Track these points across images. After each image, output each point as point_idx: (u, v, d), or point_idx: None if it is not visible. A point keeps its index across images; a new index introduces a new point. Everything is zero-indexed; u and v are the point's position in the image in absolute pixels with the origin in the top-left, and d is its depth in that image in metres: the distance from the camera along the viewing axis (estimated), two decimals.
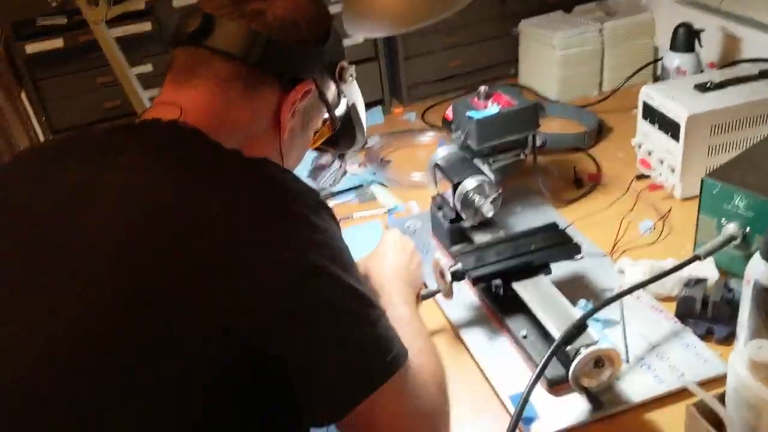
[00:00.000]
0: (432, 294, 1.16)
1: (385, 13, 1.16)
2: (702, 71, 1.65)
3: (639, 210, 1.39)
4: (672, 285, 1.14)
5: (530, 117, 1.32)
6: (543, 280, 1.10)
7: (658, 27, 1.89)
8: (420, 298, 1.12)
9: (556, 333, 0.97)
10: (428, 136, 1.79)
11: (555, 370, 0.99)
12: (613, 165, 1.56)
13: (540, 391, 1.00)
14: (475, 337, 1.12)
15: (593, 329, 0.98)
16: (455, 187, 1.23)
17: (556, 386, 0.99)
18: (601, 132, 1.69)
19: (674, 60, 1.64)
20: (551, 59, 1.86)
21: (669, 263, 1.14)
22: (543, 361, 0.94)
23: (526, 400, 0.90)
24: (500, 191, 1.23)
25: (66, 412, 0.67)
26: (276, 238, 0.72)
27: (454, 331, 1.15)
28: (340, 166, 1.60)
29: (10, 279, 0.73)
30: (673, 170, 1.39)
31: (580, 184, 1.50)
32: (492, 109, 1.30)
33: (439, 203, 1.33)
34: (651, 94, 1.42)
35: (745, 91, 1.39)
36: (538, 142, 1.50)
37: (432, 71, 1.97)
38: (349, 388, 0.74)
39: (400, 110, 1.97)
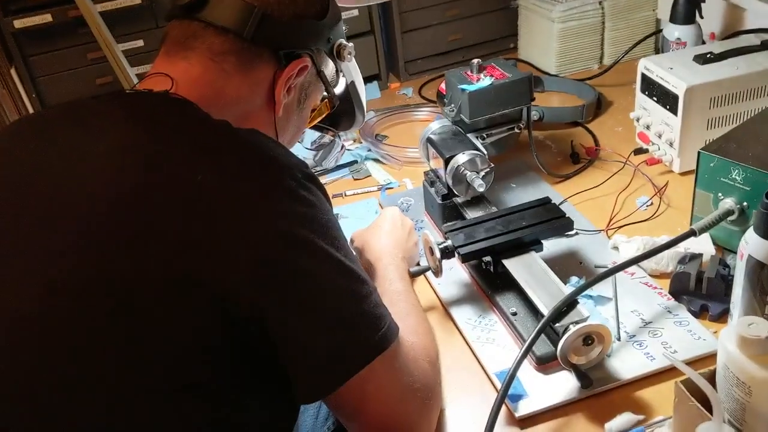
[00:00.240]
0: (422, 271, 1.15)
1: None
2: (703, 43, 1.61)
3: (636, 185, 1.37)
4: (667, 261, 1.12)
5: (524, 90, 1.29)
6: (534, 257, 1.08)
7: None
8: (410, 275, 1.11)
9: (545, 310, 0.96)
10: (425, 112, 1.77)
11: (544, 347, 0.98)
12: (611, 139, 1.53)
13: (529, 369, 0.98)
14: (464, 314, 1.10)
15: (584, 306, 0.97)
16: (447, 162, 1.20)
17: (545, 364, 0.97)
18: (600, 106, 1.66)
19: (674, 32, 1.60)
20: (550, 32, 1.82)
21: (664, 239, 1.12)
22: (531, 337, 0.92)
23: (512, 377, 0.88)
24: (492, 166, 1.20)
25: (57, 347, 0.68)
26: (261, 210, 0.71)
27: (444, 308, 1.13)
28: (342, 148, 1.58)
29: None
30: (671, 144, 1.36)
31: (577, 159, 1.47)
32: (484, 81, 1.27)
33: (432, 179, 1.31)
34: (649, 66, 1.39)
35: (745, 62, 1.35)
36: (535, 116, 1.47)
37: (430, 45, 1.94)
38: (337, 364, 0.73)
39: (397, 85, 1.94)
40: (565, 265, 1.16)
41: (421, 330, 0.91)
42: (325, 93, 0.97)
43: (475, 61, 1.30)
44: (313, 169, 0.84)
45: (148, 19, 1.69)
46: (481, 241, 1.08)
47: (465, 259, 1.08)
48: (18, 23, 1.60)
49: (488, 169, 1.20)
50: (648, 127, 1.42)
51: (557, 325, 0.94)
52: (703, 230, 1.07)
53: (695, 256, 1.10)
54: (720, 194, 1.12)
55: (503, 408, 0.92)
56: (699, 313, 1.04)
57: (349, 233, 1.20)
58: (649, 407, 0.91)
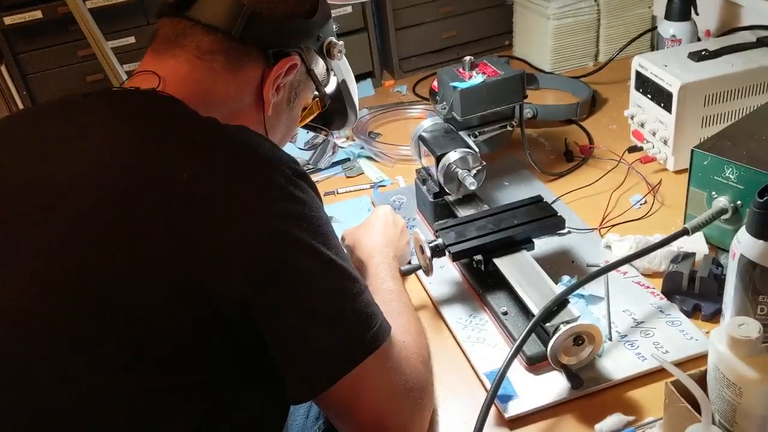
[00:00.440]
0: (413, 270, 1.14)
1: None
2: (698, 40, 1.60)
3: (630, 183, 1.36)
4: (659, 260, 1.10)
5: (516, 87, 1.27)
6: (525, 256, 1.06)
7: None
8: (401, 273, 1.10)
9: (536, 309, 0.95)
10: (418, 109, 1.75)
11: (534, 347, 0.96)
12: (606, 137, 1.52)
13: (519, 369, 0.97)
14: (455, 313, 1.09)
15: (575, 306, 0.95)
16: (438, 159, 1.19)
17: (536, 364, 0.96)
18: (595, 104, 1.65)
19: (669, 29, 1.59)
20: (545, 29, 1.81)
21: (657, 238, 1.11)
22: (521, 337, 0.91)
23: (502, 377, 0.87)
24: (484, 164, 1.19)
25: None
26: (250, 208, 0.70)
27: (435, 307, 1.12)
28: (335, 147, 1.57)
29: None
30: (665, 142, 1.35)
31: (571, 157, 1.46)
32: (476, 79, 1.25)
33: (424, 177, 1.30)
34: (643, 63, 1.38)
35: (741, 59, 1.34)
36: (529, 114, 1.46)
37: (424, 43, 1.93)
38: (329, 363, 0.73)
39: (391, 83, 1.92)
40: (558, 264, 1.15)
41: (412, 329, 0.91)
42: (315, 92, 0.96)
43: (468, 58, 1.29)
44: (306, 168, 0.83)
45: (139, 16, 1.68)
46: (471, 240, 1.07)
47: (455, 257, 1.07)
48: (8, 20, 1.59)
49: (480, 167, 1.19)
50: (642, 125, 1.41)
51: (548, 324, 0.93)
52: (696, 229, 1.06)
53: (688, 255, 1.08)
54: (714, 193, 1.11)
55: (493, 409, 0.91)
56: (692, 313, 1.03)
57: (341, 231, 1.20)
58: (640, 408, 0.90)
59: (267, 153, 0.76)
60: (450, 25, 1.92)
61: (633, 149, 1.42)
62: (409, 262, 1.17)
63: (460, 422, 0.92)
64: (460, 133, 1.27)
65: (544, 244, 1.17)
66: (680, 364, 0.94)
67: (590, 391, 0.93)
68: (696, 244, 1.12)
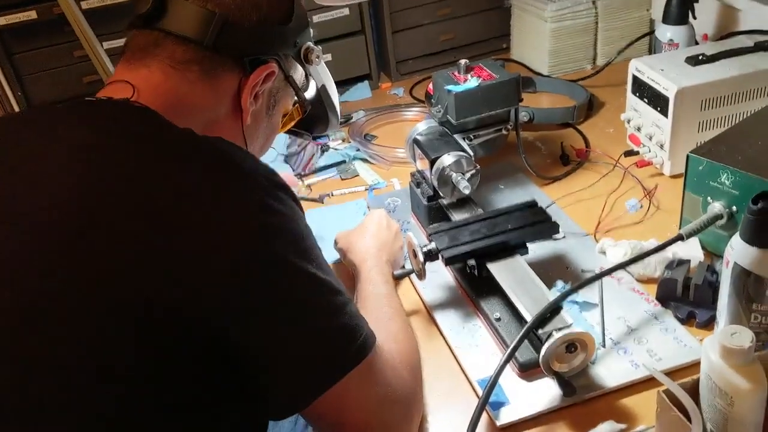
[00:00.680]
0: (405, 274, 1.13)
1: None
2: (696, 44, 1.59)
3: (626, 187, 1.35)
4: (654, 266, 1.10)
5: (511, 91, 1.27)
6: (519, 261, 1.06)
7: None
8: (394, 278, 1.10)
9: (529, 316, 0.94)
10: (414, 112, 1.75)
11: (527, 353, 0.96)
12: (602, 141, 1.51)
13: (512, 376, 0.96)
14: (448, 319, 1.08)
15: (567, 313, 0.95)
16: (432, 163, 1.19)
17: (528, 371, 0.96)
18: (592, 107, 1.64)
19: (666, 32, 1.58)
20: (543, 32, 1.80)
21: (652, 243, 1.10)
22: (513, 344, 0.90)
23: (493, 384, 0.86)
24: (479, 168, 1.18)
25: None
26: (227, 223, 0.68)
27: (428, 311, 1.11)
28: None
29: None
30: (662, 146, 1.35)
31: (567, 161, 1.45)
32: (471, 82, 1.25)
33: (418, 180, 1.29)
34: (640, 67, 1.37)
35: (737, 64, 1.33)
36: (525, 118, 1.46)
37: (421, 45, 1.92)
38: (312, 377, 0.72)
39: (388, 85, 1.91)
40: (552, 269, 1.14)
41: (401, 336, 0.90)
42: (295, 98, 0.95)
43: (463, 61, 1.28)
44: (296, 174, 0.82)
45: None
46: (465, 244, 1.06)
47: (449, 262, 1.06)
48: (2, 20, 1.58)
49: (474, 171, 1.18)
50: (639, 129, 1.41)
51: (540, 331, 0.92)
52: (690, 235, 1.06)
53: (683, 262, 1.08)
54: (709, 198, 1.10)
55: (485, 416, 0.90)
56: (686, 320, 1.02)
57: (334, 234, 1.19)
58: (633, 416, 0.90)
59: (244, 164, 0.73)
60: (447, 27, 1.91)
61: (629, 153, 1.41)
62: (403, 266, 1.16)
63: (451, 430, 0.91)
64: (455, 136, 1.26)
65: (538, 249, 1.17)
66: (674, 372, 0.93)
67: (583, 399, 0.92)
68: (691, 250, 1.11)
